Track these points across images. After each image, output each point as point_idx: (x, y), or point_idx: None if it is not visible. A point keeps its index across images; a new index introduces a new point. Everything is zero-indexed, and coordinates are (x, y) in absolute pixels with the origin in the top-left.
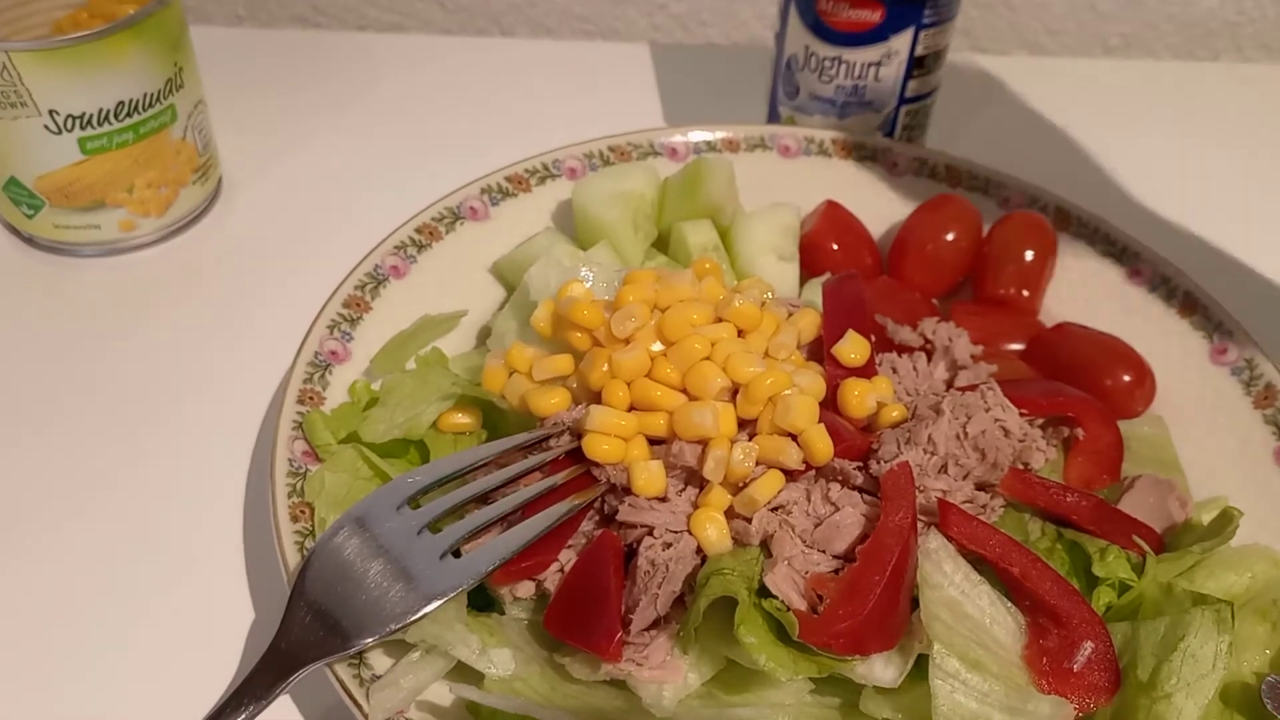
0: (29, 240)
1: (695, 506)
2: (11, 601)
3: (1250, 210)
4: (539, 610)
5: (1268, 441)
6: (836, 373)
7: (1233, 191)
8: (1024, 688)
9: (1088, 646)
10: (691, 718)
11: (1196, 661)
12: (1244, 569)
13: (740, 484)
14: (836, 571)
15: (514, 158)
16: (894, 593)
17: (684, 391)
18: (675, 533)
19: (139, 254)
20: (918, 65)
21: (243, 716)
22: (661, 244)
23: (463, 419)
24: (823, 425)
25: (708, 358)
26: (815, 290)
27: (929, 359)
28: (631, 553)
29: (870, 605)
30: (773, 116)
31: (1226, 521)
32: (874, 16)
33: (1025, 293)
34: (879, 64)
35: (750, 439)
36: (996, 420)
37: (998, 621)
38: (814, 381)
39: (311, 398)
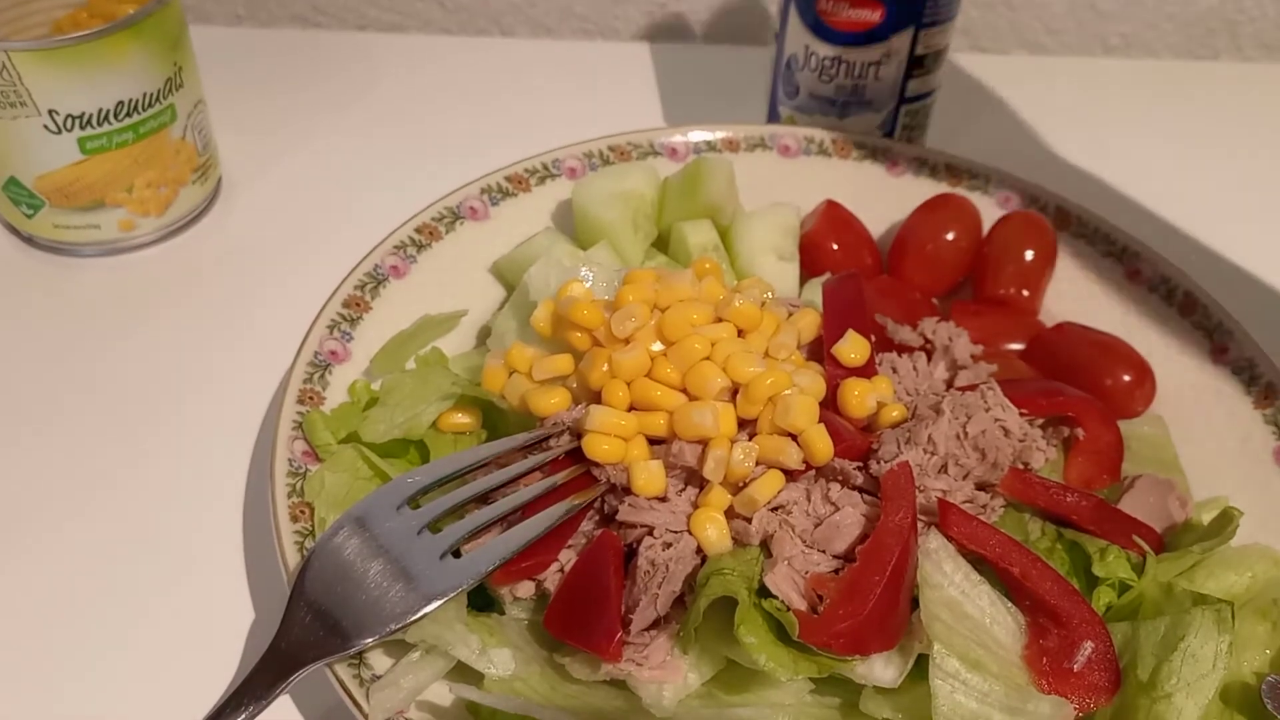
0: (29, 240)
1: (695, 506)
2: (11, 601)
3: (1250, 210)
4: (539, 610)
5: (1268, 441)
6: (836, 373)
7: (1233, 191)
8: (1024, 688)
9: (1088, 646)
10: (691, 718)
11: (1197, 661)
12: (1244, 569)
13: (740, 484)
14: (836, 571)
15: (514, 158)
16: (894, 593)
17: (684, 391)
18: (675, 533)
19: (139, 254)
20: (918, 65)
21: (243, 716)
22: (661, 244)
23: (463, 419)
24: (823, 425)
25: (708, 358)
26: (815, 290)
27: (929, 359)
28: (631, 553)
29: (870, 605)
30: (773, 116)
31: (1226, 521)
32: (874, 16)
33: (1025, 292)
34: (879, 64)
35: (750, 439)
36: (996, 420)
37: (998, 621)
38: (814, 381)
39: (311, 398)
